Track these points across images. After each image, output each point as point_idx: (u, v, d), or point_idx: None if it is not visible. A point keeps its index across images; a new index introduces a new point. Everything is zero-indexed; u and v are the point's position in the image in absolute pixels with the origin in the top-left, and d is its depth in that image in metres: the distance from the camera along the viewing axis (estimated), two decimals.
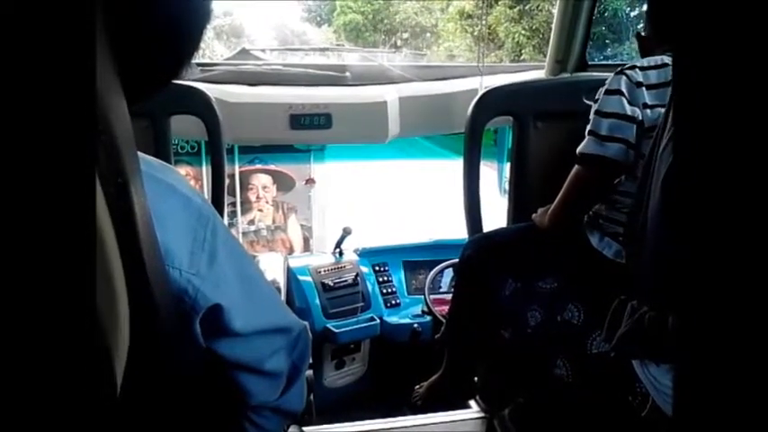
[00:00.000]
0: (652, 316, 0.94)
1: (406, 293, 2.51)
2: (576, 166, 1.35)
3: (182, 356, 0.62)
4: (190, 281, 0.62)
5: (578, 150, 1.33)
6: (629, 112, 1.26)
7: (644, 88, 1.26)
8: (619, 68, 1.31)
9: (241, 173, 3.00)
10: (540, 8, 8.78)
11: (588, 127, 1.32)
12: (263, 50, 2.74)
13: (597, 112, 1.30)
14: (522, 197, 1.84)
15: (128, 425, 0.49)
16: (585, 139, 1.31)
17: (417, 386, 1.87)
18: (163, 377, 0.55)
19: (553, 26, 2.04)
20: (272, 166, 3.08)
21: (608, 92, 1.30)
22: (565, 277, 1.42)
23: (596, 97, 1.34)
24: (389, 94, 2.19)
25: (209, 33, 0.63)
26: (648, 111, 1.25)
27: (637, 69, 1.28)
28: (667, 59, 1.28)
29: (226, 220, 2.78)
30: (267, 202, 3.14)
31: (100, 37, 0.41)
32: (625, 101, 1.26)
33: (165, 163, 0.67)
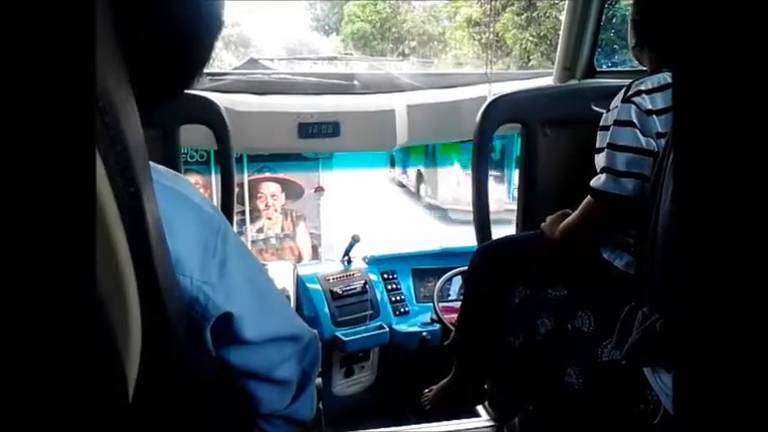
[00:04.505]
0: (663, 323, 0.93)
1: (414, 301, 2.50)
2: (590, 199, 1.33)
3: (192, 364, 0.62)
4: (201, 289, 0.63)
5: (593, 185, 1.30)
6: (644, 145, 1.23)
7: (654, 116, 1.24)
8: (626, 95, 1.27)
9: (250, 181, 3.02)
10: (547, 15, 8.79)
11: (602, 162, 1.29)
12: (271, 60, 2.75)
13: (610, 146, 1.27)
14: (531, 204, 1.84)
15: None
16: (602, 176, 1.28)
17: (427, 390, 1.86)
18: (174, 385, 0.56)
19: (561, 33, 2.04)
20: (280, 175, 3.10)
21: (619, 123, 1.26)
22: (575, 285, 1.41)
23: (605, 123, 1.32)
24: (397, 103, 2.20)
25: (217, 43, 0.64)
26: (662, 140, 1.23)
27: (643, 95, 1.25)
28: (670, 78, 1.26)
29: (235, 229, 2.79)
30: (276, 211, 3.15)
31: (113, 47, 0.42)
32: (638, 132, 1.23)
33: (175, 172, 0.68)
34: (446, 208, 6.22)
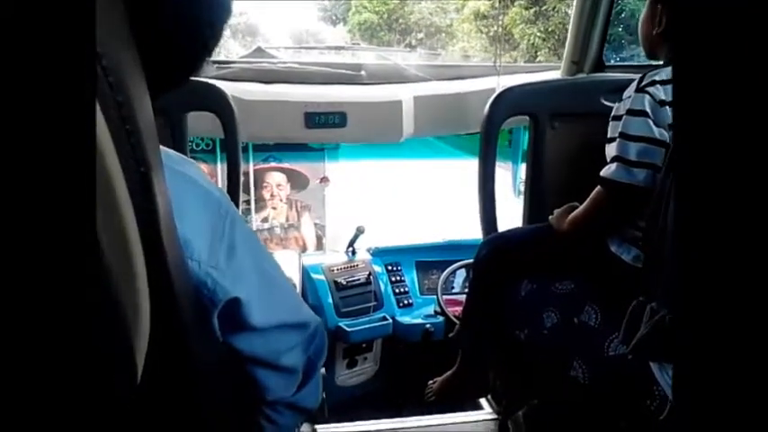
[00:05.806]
0: (672, 318, 0.92)
1: (418, 293, 2.50)
2: (600, 189, 1.31)
3: (199, 350, 0.62)
4: (209, 273, 0.62)
5: (604, 175, 1.28)
6: (657, 135, 1.22)
7: (667, 107, 1.22)
8: (640, 85, 1.26)
9: (255, 171, 3.01)
10: (555, 9, 8.74)
11: (614, 151, 1.27)
12: (278, 49, 2.73)
13: (623, 135, 1.26)
14: (537, 197, 1.83)
15: (146, 416, 0.49)
16: (613, 165, 1.27)
17: (431, 381, 1.86)
18: (181, 370, 0.55)
19: (570, 27, 2.02)
20: (286, 165, 3.08)
21: (632, 112, 1.25)
22: (582, 279, 1.41)
23: (617, 113, 1.31)
24: (404, 94, 2.19)
25: (224, 32, 0.64)
26: None
27: (658, 86, 1.24)
28: None
29: None
30: (281, 200, 3.14)
31: (125, 32, 0.41)
32: (651, 122, 1.22)
33: (184, 156, 0.68)
34: None
